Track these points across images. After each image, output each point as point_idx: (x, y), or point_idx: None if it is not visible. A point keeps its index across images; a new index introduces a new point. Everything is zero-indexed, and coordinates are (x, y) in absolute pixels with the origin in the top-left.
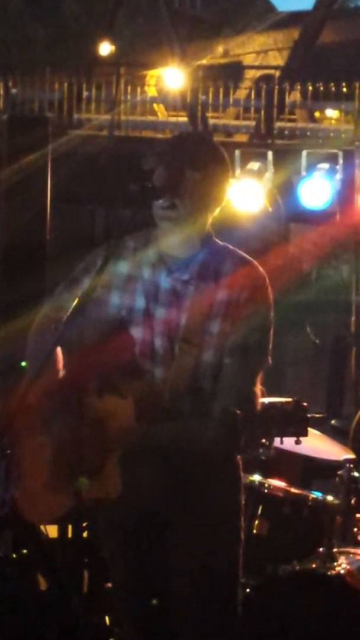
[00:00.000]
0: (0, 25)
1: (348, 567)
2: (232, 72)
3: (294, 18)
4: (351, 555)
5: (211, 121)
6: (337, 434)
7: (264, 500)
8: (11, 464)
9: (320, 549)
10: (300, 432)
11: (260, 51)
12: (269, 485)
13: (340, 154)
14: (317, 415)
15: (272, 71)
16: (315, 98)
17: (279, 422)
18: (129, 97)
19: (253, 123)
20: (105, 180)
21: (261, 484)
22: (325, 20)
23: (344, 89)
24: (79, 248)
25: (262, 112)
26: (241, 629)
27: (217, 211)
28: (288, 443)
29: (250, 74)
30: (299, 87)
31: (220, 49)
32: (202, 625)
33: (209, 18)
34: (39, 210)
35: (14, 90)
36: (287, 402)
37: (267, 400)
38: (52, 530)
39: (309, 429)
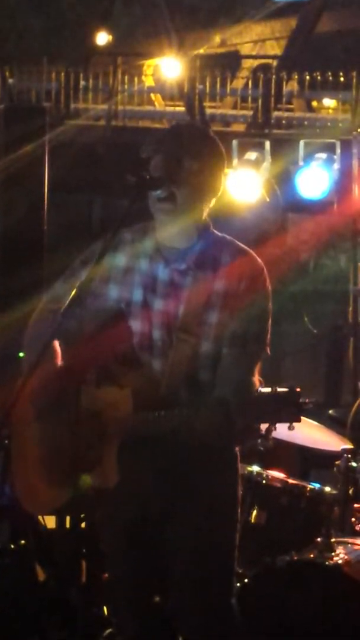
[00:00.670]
0: None
1: (346, 557)
2: (230, 61)
3: (292, 7)
4: (349, 545)
5: (208, 111)
6: (335, 424)
7: (262, 491)
8: (9, 454)
9: (318, 539)
10: (293, 418)
11: (257, 40)
12: (267, 476)
13: (338, 143)
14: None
15: (269, 60)
16: (312, 87)
17: (273, 408)
18: (126, 86)
19: (250, 112)
20: (103, 170)
21: (259, 475)
22: (323, 9)
23: (342, 79)
24: (77, 238)
25: (260, 101)
26: (239, 619)
27: (213, 201)
28: (286, 433)
29: (248, 64)
30: (296, 76)
31: (217, 39)
32: (199, 615)
33: (206, 7)
34: (36, 200)
35: (10, 80)
36: (280, 390)
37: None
38: (50, 521)
39: (308, 419)
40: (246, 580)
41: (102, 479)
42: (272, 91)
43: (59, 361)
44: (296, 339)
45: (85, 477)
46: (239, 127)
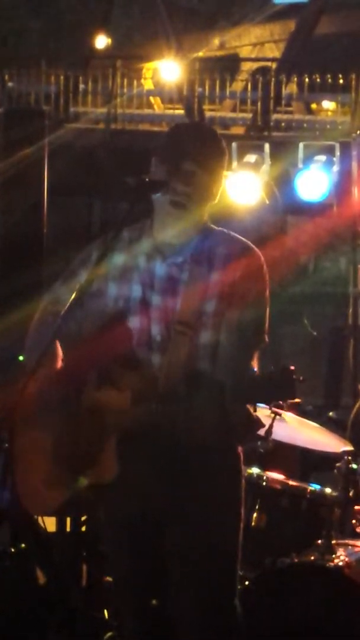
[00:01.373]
0: None
1: (346, 559)
2: (229, 64)
3: (291, 10)
4: (350, 547)
5: (208, 114)
6: (335, 426)
7: (262, 493)
8: (10, 456)
9: (319, 541)
10: (288, 395)
11: (256, 43)
12: (268, 478)
13: (337, 145)
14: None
15: (268, 63)
16: (311, 90)
17: (268, 388)
18: (125, 90)
19: (250, 115)
20: (102, 173)
21: (259, 477)
22: (322, 11)
23: (341, 81)
24: (76, 241)
25: (259, 104)
26: (240, 621)
27: (216, 199)
28: (286, 435)
29: (247, 66)
30: (295, 79)
31: (216, 41)
32: (200, 616)
33: (204, 10)
34: (35, 203)
35: (10, 84)
36: (274, 370)
37: None
38: (50, 524)
39: (308, 421)
40: (247, 583)
41: (101, 475)
42: (272, 94)
43: (60, 363)
44: (296, 341)
45: (82, 480)
46: (239, 130)
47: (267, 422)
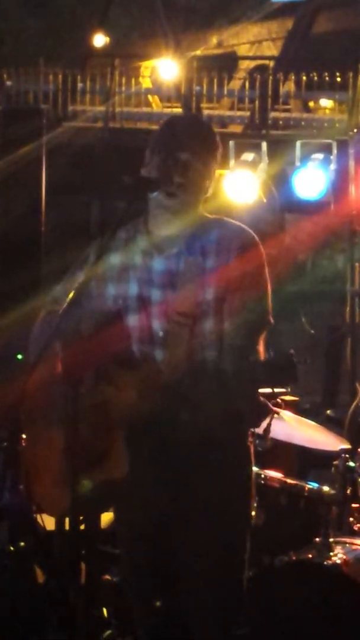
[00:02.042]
0: None
1: (344, 556)
2: (226, 62)
3: (288, 8)
4: (347, 545)
5: (205, 112)
6: (333, 424)
7: (260, 491)
8: (16, 455)
9: (317, 539)
10: (290, 380)
11: (254, 41)
12: (265, 476)
13: (335, 143)
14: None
15: (266, 61)
16: (309, 88)
17: (271, 371)
18: (123, 88)
19: (247, 113)
20: (100, 171)
21: (257, 475)
22: (319, 10)
23: (338, 79)
24: (75, 239)
25: (257, 102)
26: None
27: (209, 193)
28: (284, 433)
29: (245, 65)
30: (293, 77)
31: (214, 40)
32: (211, 613)
33: (202, 8)
34: (34, 201)
35: (8, 82)
36: (275, 356)
37: None
38: (49, 522)
39: (306, 419)
40: (245, 581)
41: (112, 471)
42: (269, 92)
43: (59, 362)
44: (293, 339)
45: (87, 483)
46: (236, 128)
47: (265, 420)
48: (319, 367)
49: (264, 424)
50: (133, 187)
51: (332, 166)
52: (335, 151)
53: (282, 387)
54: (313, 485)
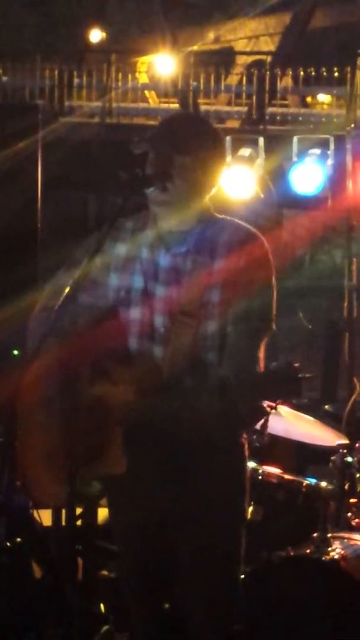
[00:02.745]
0: None
1: (342, 552)
2: (224, 58)
3: (285, 3)
4: (345, 540)
5: (203, 107)
6: (331, 419)
7: (258, 487)
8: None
9: (315, 535)
10: (293, 393)
11: (251, 37)
12: (263, 472)
13: (332, 139)
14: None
15: (263, 57)
16: (306, 83)
17: (273, 385)
18: (120, 84)
19: (245, 109)
20: (97, 167)
21: (255, 471)
22: (317, 5)
23: (336, 74)
24: (71, 235)
25: (254, 97)
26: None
27: (214, 190)
28: (282, 429)
29: (242, 60)
30: (290, 72)
31: (211, 35)
32: (207, 611)
33: (200, 4)
34: (30, 197)
35: (4, 78)
36: (279, 365)
37: None
38: (46, 518)
39: (304, 414)
40: (243, 576)
41: (110, 467)
42: (267, 87)
43: (55, 358)
44: (291, 335)
45: (97, 485)
46: (234, 124)
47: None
48: (316, 362)
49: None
50: (129, 183)
51: (330, 161)
52: (332, 146)
53: (284, 400)
54: (311, 480)
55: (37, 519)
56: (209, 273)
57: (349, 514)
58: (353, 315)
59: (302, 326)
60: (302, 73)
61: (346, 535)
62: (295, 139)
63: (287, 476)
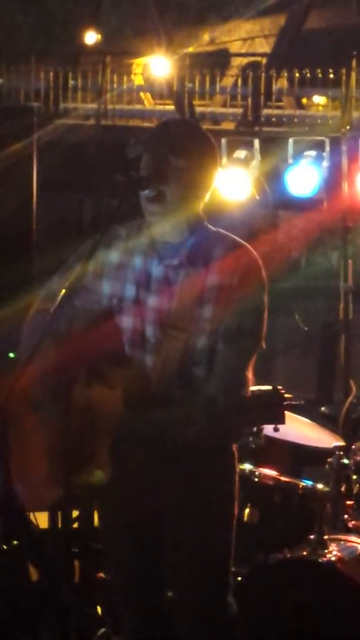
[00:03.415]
0: None
1: (339, 553)
2: (219, 59)
3: (280, 5)
4: (342, 542)
5: (198, 109)
6: (327, 421)
7: (254, 489)
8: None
9: (311, 536)
10: (277, 419)
11: (246, 38)
12: (260, 474)
13: (327, 141)
14: (295, 403)
15: (258, 58)
16: (302, 85)
17: (258, 409)
18: (115, 85)
19: (240, 110)
20: (93, 169)
21: (251, 473)
22: (311, 6)
23: (331, 75)
24: (67, 237)
25: (249, 99)
26: (235, 617)
27: (206, 197)
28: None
29: (237, 62)
30: (285, 74)
31: (206, 37)
32: (195, 613)
33: (195, 5)
34: (25, 199)
35: None
36: (263, 389)
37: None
38: (42, 520)
39: (300, 416)
40: (239, 578)
41: (93, 476)
42: (262, 89)
43: (50, 360)
44: (287, 336)
45: (99, 472)
46: (229, 126)
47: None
48: (312, 364)
49: None
50: (124, 185)
51: (325, 163)
52: (328, 148)
53: (270, 424)
54: (307, 482)
55: (34, 521)
56: (202, 288)
57: (346, 516)
58: (349, 317)
59: (298, 327)
60: (297, 75)
61: (343, 537)
62: (290, 140)
63: (283, 478)
